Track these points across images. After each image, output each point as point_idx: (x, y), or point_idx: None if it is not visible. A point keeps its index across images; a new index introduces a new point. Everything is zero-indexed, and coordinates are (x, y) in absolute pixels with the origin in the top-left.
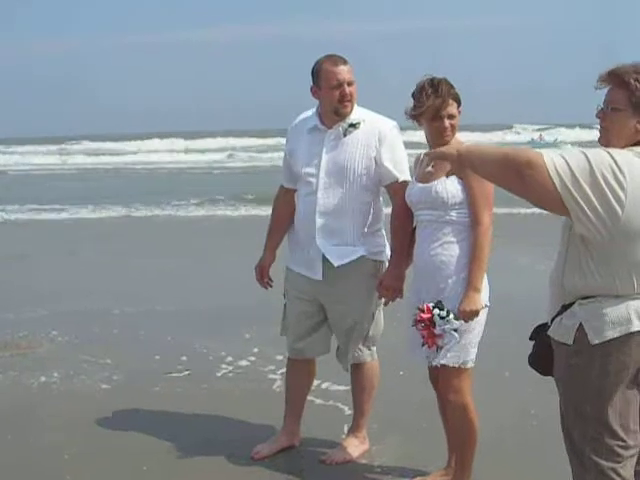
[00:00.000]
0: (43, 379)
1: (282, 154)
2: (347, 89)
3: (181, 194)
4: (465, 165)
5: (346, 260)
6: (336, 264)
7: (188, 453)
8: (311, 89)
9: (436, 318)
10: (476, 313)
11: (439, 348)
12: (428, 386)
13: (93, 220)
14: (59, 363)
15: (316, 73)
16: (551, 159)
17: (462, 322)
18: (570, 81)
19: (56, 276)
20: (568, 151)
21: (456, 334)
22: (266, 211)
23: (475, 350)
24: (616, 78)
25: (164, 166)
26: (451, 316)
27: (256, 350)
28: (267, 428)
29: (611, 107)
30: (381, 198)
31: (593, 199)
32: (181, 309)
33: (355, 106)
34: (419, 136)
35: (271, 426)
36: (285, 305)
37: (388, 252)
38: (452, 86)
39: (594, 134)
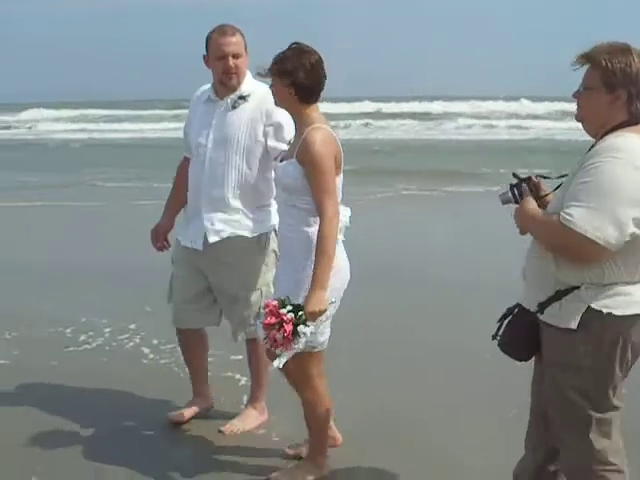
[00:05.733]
0: None
1: None
2: (231, 62)
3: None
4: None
5: (223, 235)
6: (211, 240)
7: (87, 429)
8: (204, 58)
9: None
10: (322, 313)
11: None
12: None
13: None
14: None
15: (207, 43)
16: (604, 239)
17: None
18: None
19: None
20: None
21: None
22: None
23: (325, 334)
24: (589, 59)
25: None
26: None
27: (156, 323)
28: (166, 403)
29: (584, 86)
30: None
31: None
32: (82, 281)
33: (249, 78)
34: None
35: (169, 401)
36: (172, 273)
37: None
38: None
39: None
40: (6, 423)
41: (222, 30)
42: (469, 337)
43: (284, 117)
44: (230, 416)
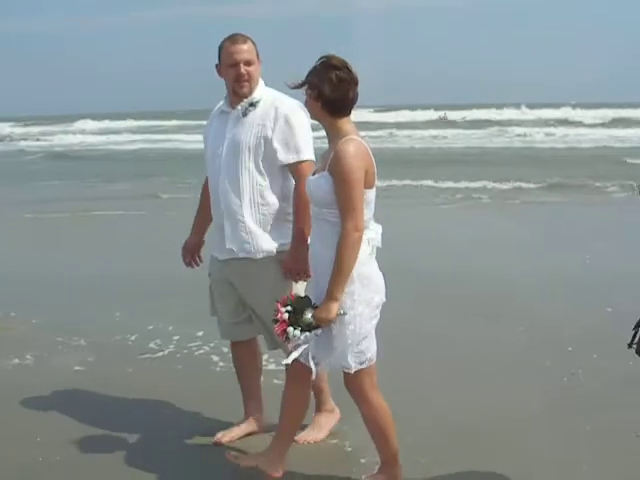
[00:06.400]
0: (17, 361)
1: None
2: (243, 69)
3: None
4: None
5: (242, 255)
6: (240, 255)
7: (159, 439)
8: (216, 67)
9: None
10: (328, 322)
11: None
12: (389, 356)
13: None
14: (33, 345)
15: (219, 52)
16: None
17: (315, 330)
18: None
19: (32, 260)
20: None
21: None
22: None
23: (370, 349)
24: None
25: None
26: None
27: None
28: (240, 411)
29: None
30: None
31: None
32: (158, 291)
33: (261, 86)
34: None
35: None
36: (210, 286)
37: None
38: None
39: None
40: (83, 429)
41: (234, 39)
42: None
43: (292, 118)
44: (303, 426)
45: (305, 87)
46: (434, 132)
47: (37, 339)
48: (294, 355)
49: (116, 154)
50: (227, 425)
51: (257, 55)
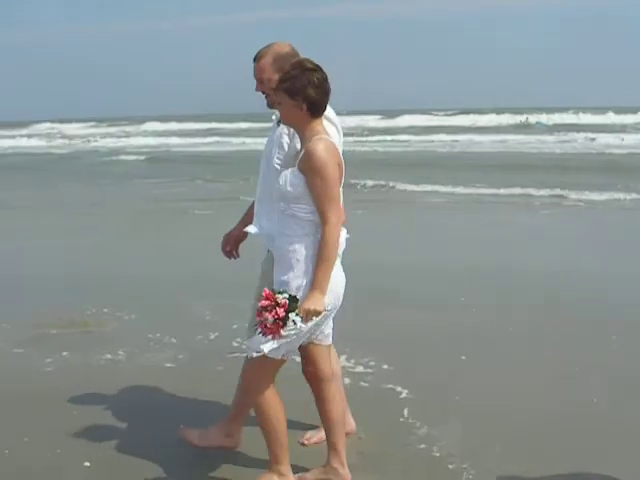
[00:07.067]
0: (109, 356)
1: None
2: (256, 86)
3: None
4: None
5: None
6: (269, 247)
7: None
8: None
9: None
10: (317, 313)
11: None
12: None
13: None
14: (125, 341)
15: None
16: None
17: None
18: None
19: (123, 257)
20: None
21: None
22: None
23: (291, 343)
24: None
25: None
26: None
27: None
28: None
29: None
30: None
31: None
32: (239, 290)
33: None
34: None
35: None
36: None
37: None
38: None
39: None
40: (175, 424)
41: (255, 54)
42: None
43: None
44: (387, 431)
45: (280, 94)
46: (517, 137)
47: (128, 335)
48: (270, 344)
49: (189, 155)
50: (311, 427)
51: (281, 68)
